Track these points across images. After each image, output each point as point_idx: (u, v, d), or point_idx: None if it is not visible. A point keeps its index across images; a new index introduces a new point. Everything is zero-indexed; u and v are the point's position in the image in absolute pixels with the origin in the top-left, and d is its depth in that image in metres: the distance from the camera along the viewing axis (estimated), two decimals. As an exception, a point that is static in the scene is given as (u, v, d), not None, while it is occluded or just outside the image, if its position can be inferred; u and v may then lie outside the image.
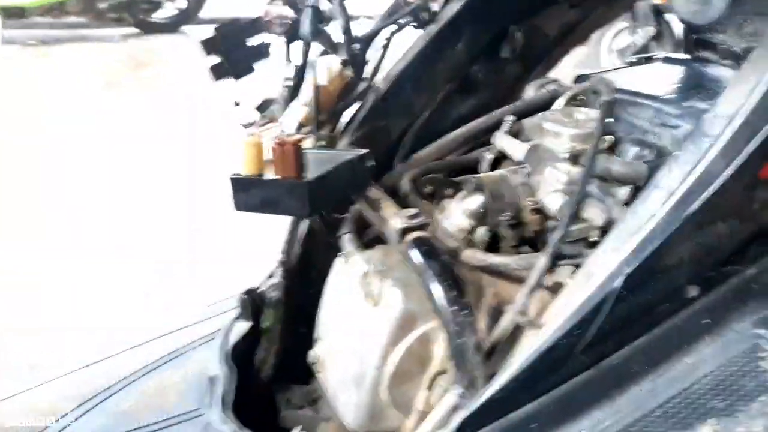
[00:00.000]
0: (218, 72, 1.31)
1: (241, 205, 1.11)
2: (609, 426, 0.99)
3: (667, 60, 1.72)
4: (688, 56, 1.67)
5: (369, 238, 1.38)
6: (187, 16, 8.48)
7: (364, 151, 1.27)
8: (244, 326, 1.47)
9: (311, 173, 1.10)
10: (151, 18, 8.49)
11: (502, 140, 1.44)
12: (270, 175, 1.09)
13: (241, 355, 1.47)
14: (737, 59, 1.50)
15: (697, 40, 1.63)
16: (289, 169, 1.06)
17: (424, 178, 1.47)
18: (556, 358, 1.00)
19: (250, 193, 1.10)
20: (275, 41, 1.34)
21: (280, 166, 1.07)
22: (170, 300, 2.94)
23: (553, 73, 1.79)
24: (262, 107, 1.37)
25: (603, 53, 5.06)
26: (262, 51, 1.35)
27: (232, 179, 1.11)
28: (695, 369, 1.03)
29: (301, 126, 1.35)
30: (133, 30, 8.43)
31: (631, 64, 1.83)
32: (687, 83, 1.53)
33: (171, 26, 8.51)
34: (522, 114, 1.53)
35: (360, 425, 1.23)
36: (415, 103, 1.54)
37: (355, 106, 1.48)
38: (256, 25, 1.32)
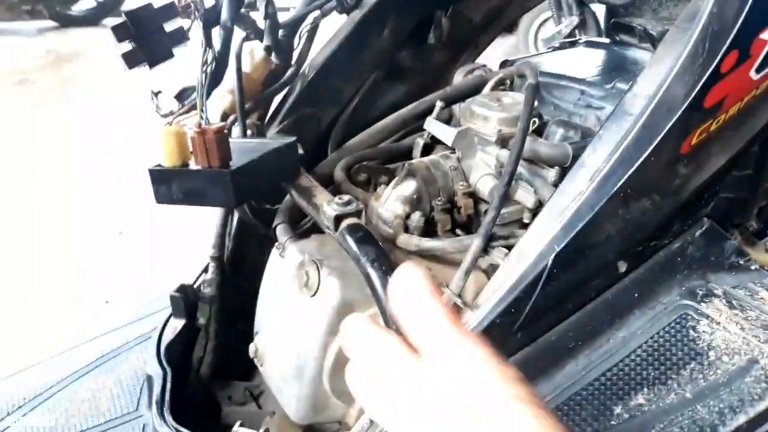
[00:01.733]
0: (131, 60, 1.24)
1: (163, 197, 1.08)
2: (548, 402, 1.01)
3: (589, 44, 1.77)
4: (608, 40, 1.73)
5: (304, 228, 1.36)
6: (108, 7, 8.10)
7: (291, 139, 1.25)
8: (178, 324, 1.43)
9: (236, 162, 1.08)
10: (69, 11, 8.09)
11: (432, 125, 1.45)
12: (193, 165, 1.06)
13: (178, 354, 1.44)
14: (654, 41, 1.56)
15: (616, 24, 1.69)
16: (213, 158, 1.04)
17: (357, 167, 1.46)
18: (493, 338, 0.99)
19: (172, 185, 1.07)
20: (195, 26, 1.29)
21: (203, 155, 1.04)
22: (95, 306, 2.83)
23: (480, 61, 1.81)
24: (181, 96, 1.33)
25: (530, 43, 5.18)
26: (179, 36, 1.29)
27: (150, 171, 1.07)
28: (628, 342, 1.07)
29: (225, 115, 1.32)
30: (50, 23, 8.02)
31: (555, 49, 1.87)
32: (608, 66, 1.58)
33: (91, 19, 8.10)
34: (452, 99, 1.54)
35: (303, 417, 1.21)
36: (344, 90, 1.53)
37: (283, 94, 1.46)
38: (171, 10, 1.26)
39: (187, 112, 1.25)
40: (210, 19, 1.25)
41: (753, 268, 1.20)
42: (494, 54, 1.92)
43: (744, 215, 1.43)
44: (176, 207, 1.09)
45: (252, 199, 1.27)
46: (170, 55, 1.27)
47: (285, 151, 1.21)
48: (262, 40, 1.29)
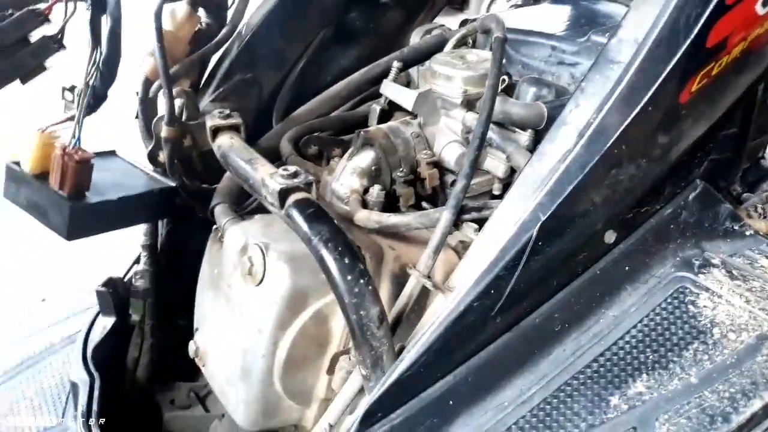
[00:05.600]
0: None
1: (10, 196, 1.10)
2: (534, 394, 0.88)
3: (555, 0, 1.64)
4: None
5: (248, 209, 1.20)
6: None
7: (173, 184, 1.19)
8: (107, 323, 1.25)
9: (94, 195, 1.07)
10: None
11: (390, 89, 1.29)
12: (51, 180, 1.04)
13: (108, 357, 1.26)
14: (626, -7, 1.43)
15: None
16: (66, 184, 1.03)
17: (307, 138, 1.30)
18: (470, 324, 0.88)
19: (21, 189, 1.07)
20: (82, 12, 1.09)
21: (57, 176, 1.02)
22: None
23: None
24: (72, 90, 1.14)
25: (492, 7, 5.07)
26: (46, 46, 1.11)
27: (7, 166, 1.05)
28: (621, 321, 0.94)
29: (148, 81, 1.14)
30: None
31: (517, 6, 1.74)
32: (579, 20, 1.45)
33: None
34: (410, 61, 1.39)
35: (253, 423, 1.06)
36: (286, 52, 1.36)
37: (218, 58, 1.29)
38: (31, 20, 1.08)
39: (64, 121, 1.08)
40: (97, 11, 1.06)
41: (748, 233, 1.09)
42: (453, 22, 1.76)
43: (729, 178, 1.32)
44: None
45: (92, 234, 1.14)
46: (41, 69, 1.12)
47: (155, 195, 1.18)
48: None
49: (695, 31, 0.81)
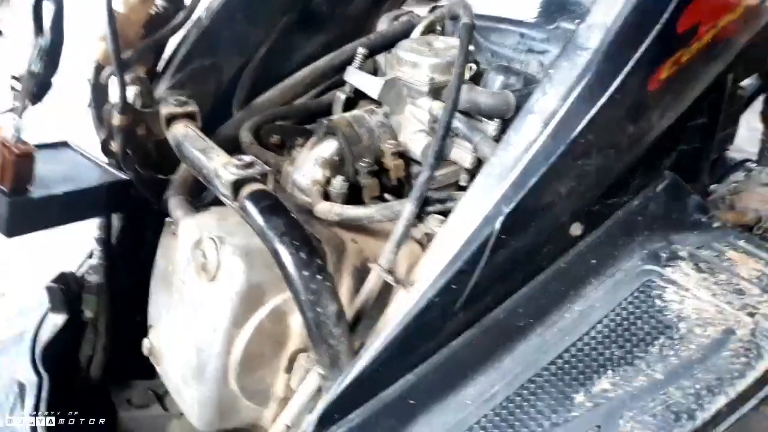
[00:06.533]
0: None
1: None
2: (498, 392, 0.85)
3: (526, -13, 1.60)
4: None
5: (205, 202, 1.15)
6: None
7: (125, 177, 1.12)
8: (58, 320, 1.20)
9: (38, 190, 1.02)
10: None
11: (354, 76, 1.25)
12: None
13: (60, 355, 1.21)
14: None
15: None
16: (5, 178, 0.98)
17: (268, 127, 1.26)
18: (432, 320, 0.84)
19: None
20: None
21: None
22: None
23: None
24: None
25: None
26: None
27: None
28: (587, 316, 0.91)
29: (99, 66, 1.08)
30: None
31: (487, -6, 1.70)
32: (549, 7, 1.41)
33: None
34: (376, 48, 1.34)
35: (208, 423, 1.02)
36: (248, 36, 1.30)
37: (177, 42, 1.23)
38: None
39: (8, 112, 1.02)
40: None
41: (715, 225, 1.07)
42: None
43: (697, 169, 1.30)
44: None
45: (36, 230, 1.08)
46: None
47: (105, 189, 1.12)
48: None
49: (666, 15, 0.78)
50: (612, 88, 0.80)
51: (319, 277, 0.81)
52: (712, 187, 1.50)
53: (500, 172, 0.85)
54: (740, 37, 0.95)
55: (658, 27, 0.79)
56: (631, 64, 0.80)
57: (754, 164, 1.76)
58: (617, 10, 0.83)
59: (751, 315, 0.89)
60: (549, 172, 0.82)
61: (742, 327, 0.88)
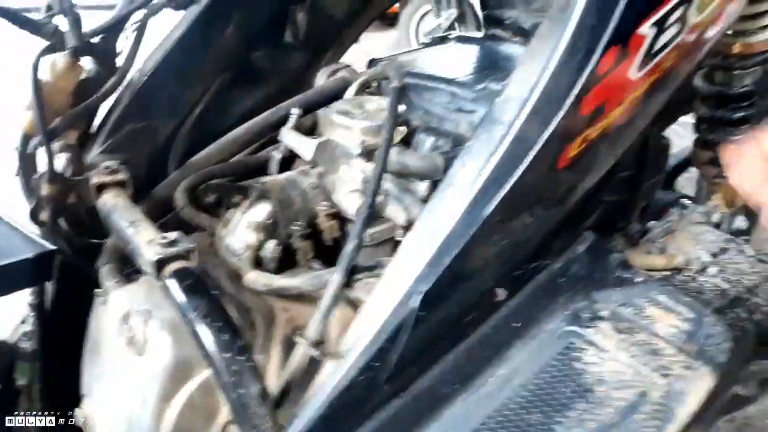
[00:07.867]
0: None
1: None
2: (422, 461, 0.87)
3: (461, 39, 1.64)
4: (481, 34, 1.60)
5: (135, 269, 1.15)
6: None
7: (52, 247, 1.09)
8: (-10, 389, 1.18)
9: None
10: None
11: (288, 137, 1.27)
12: None
13: (-7, 424, 1.19)
14: (526, 35, 1.45)
15: (488, 17, 1.57)
16: None
17: (204, 186, 1.26)
18: (357, 395, 0.85)
19: None
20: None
21: None
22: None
23: (361, 57, 1.63)
24: None
25: (411, 37, 5.07)
26: None
27: None
28: (509, 380, 0.94)
29: (26, 137, 1.08)
30: None
31: (425, 45, 1.74)
32: (481, 64, 1.45)
33: None
34: (312, 105, 1.36)
35: (141, 496, 1.01)
36: (182, 98, 1.31)
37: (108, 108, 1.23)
38: None
39: None
40: None
41: (638, 280, 1.11)
42: (376, 48, 1.75)
43: (626, 218, 1.35)
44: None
45: None
46: None
47: (28, 263, 1.07)
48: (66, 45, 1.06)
49: (570, 100, 0.81)
50: (522, 168, 0.83)
51: (240, 357, 0.81)
52: (651, 223, 1.52)
53: (420, 246, 0.87)
54: (651, 108, 0.99)
55: (564, 109, 0.81)
56: (540, 144, 0.82)
57: (690, 201, 1.81)
58: (531, 84, 0.85)
59: (665, 376, 0.92)
60: (465, 249, 0.84)
61: (655, 389, 0.91)
